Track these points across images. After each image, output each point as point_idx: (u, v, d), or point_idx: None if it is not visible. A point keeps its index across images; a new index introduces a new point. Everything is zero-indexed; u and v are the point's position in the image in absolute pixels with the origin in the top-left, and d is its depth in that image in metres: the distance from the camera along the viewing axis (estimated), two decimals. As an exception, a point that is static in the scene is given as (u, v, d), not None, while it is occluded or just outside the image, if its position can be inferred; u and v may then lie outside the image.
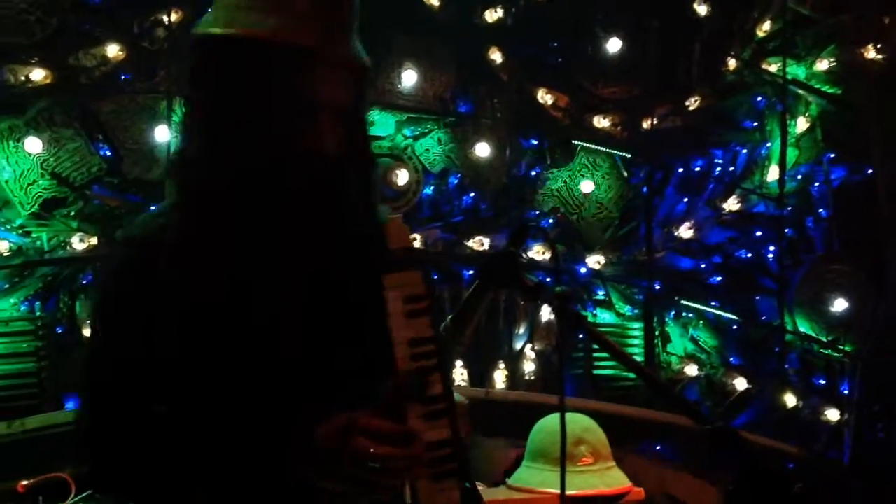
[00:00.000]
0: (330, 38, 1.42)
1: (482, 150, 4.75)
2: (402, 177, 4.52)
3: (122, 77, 4.14)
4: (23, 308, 3.98)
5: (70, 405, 3.77)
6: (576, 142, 5.02)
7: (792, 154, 5.21)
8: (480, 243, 4.65)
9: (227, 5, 1.44)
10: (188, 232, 1.43)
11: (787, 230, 5.16)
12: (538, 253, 4.76)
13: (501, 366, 4.59)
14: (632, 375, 4.92)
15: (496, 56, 4.79)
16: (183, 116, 1.53)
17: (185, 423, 1.43)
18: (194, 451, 1.42)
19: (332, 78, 1.43)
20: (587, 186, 5.01)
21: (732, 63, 5.23)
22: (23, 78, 3.97)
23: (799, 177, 5.26)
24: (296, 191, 1.43)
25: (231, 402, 1.43)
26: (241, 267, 1.42)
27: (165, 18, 4.13)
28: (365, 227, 1.48)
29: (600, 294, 4.95)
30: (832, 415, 5.01)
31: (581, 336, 4.80)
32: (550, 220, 4.94)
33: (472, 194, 4.77)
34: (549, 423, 2.94)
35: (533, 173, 4.96)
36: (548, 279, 4.33)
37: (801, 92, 5.23)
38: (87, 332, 3.93)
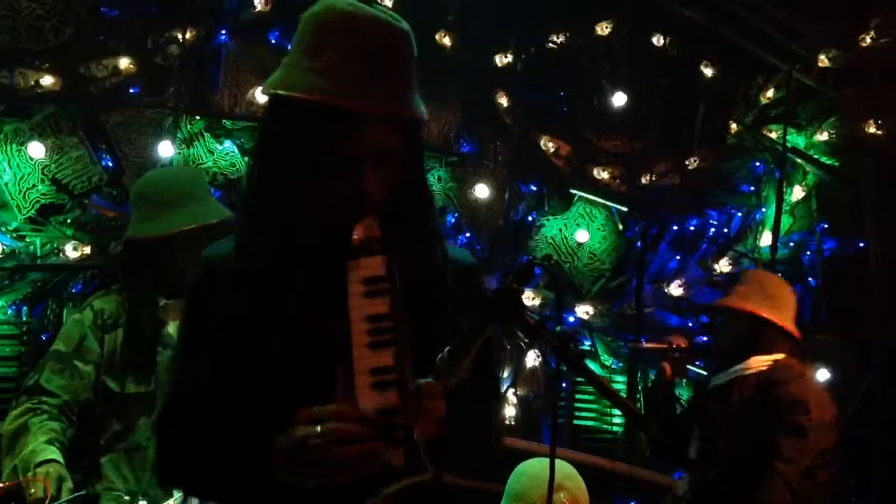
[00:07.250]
0: (372, 96, 1.50)
1: (481, 191, 4.79)
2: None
3: (131, 90, 4.16)
4: (10, 312, 3.96)
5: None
6: (574, 191, 5.07)
7: (786, 221, 5.27)
8: (472, 284, 4.65)
9: (284, 64, 1.57)
10: (241, 255, 1.59)
11: (775, 296, 5.17)
12: (528, 298, 4.77)
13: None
14: (613, 429, 4.93)
15: (503, 100, 4.84)
16: (250, 155, 1.73)
17: (206, 425, 1.58)
18: (205, 453, 1.58)
19: (374, 132, 1.53)
20: (582, 236, 5.05)
21: (734, 127, 5.29)
22: (32, 83, 3.97)
23: (791, 244, 5.31)
24: (337, 231, 1.54)
25: (236, 412, 1.55)
26: (271, 295, 1.56)
27: (179, 36, 4.16)
28: (418, 266, 1.59)
29: (587, 344, 4.96)
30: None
31: (565, 385, 4.81)
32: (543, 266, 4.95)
33: (467, 234, 4.79)
34: (530, 467, 2.91)
35: (529, 218, 5.00)
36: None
37: (799, 161, 5.30)
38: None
